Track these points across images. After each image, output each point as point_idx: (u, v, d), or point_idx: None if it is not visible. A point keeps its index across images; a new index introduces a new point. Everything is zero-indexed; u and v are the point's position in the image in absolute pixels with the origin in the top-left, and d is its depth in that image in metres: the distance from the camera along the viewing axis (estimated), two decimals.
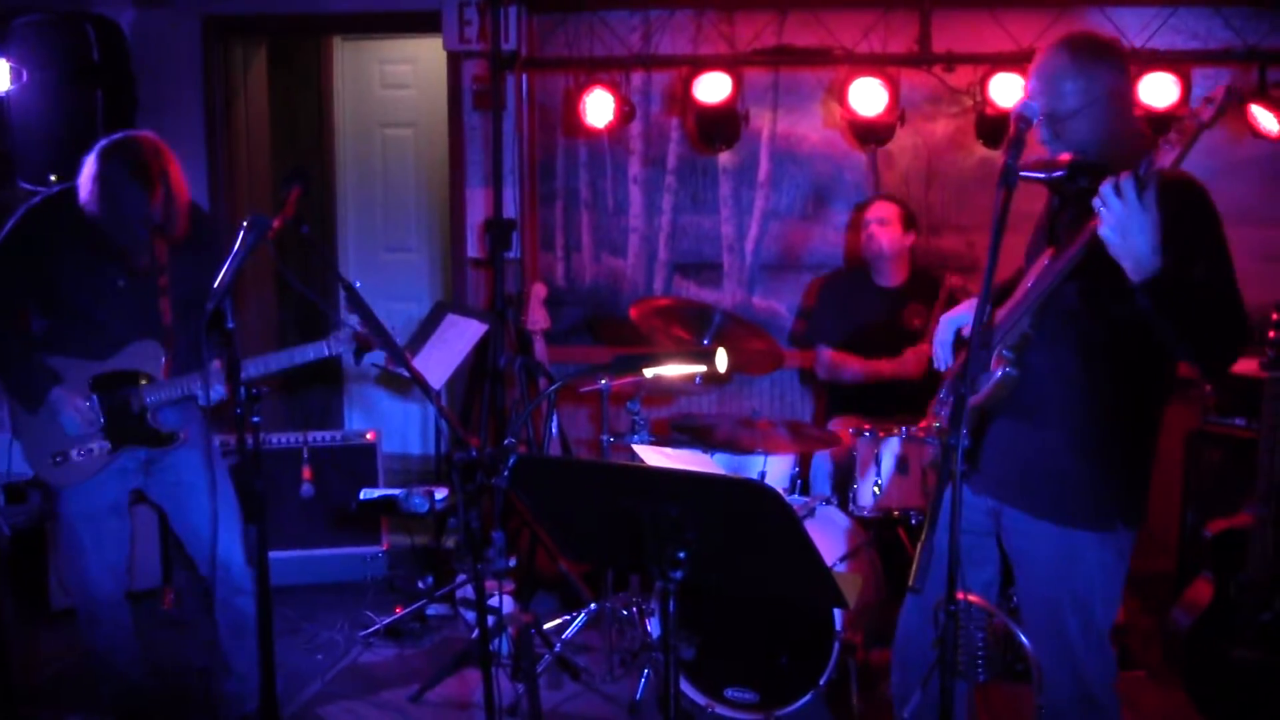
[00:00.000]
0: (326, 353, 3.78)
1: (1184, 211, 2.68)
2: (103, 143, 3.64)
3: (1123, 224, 2.49)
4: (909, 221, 5.25)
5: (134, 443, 3.80)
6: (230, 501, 3.93)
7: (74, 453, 3.73)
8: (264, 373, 3.75)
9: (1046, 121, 2.91)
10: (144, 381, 3.77)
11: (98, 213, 3.58)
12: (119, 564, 3.93)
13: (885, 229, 5.20)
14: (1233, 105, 2.42)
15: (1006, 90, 5.15)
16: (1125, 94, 2.91)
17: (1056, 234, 2.97)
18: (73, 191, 3.65)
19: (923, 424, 4.46)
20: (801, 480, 4.88)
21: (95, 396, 3.74)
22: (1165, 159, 2.45)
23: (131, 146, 3.62)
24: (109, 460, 3.78)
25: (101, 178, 3.57)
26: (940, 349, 3.32)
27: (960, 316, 3.28)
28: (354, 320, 3.66)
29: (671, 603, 2.41)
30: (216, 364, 3.71)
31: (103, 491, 3.82)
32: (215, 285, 3.08)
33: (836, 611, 3.92)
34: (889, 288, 5.29)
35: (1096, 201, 2.53)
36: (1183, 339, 2.64)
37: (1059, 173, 2.89)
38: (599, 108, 5.61)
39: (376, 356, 4.19)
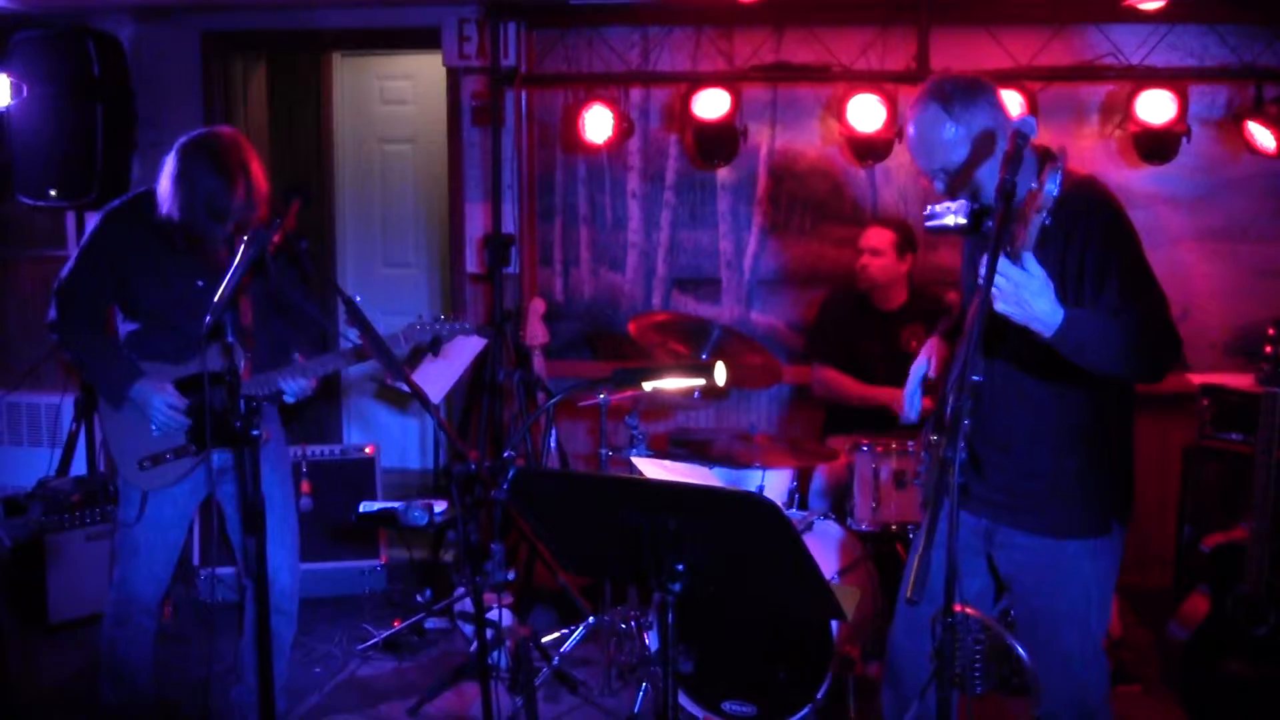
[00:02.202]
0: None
1: (1086, 236, 2.69)
2: (182, 140, 3.63)
3: (1015, 298, 2.48)
4: (904, 246, 5.18)
5: (218, 444, 3.78)
6: (291, 522, 3.93)
7: (162, 456, 3.72)
8: (307, 381, 3.77)
9: (938, 175, 2.93)
10: (227, 382, 3.77)
11: (178, 211, 3.56)
12: (166, 573, 3.93)
13: (877, 259, 5.15)
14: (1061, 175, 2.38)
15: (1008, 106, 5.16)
16: (1005, 125, 2.89)
17: (979, 271, 2.97)
18: (152, 195, 3.65)
19: (918, 449, 4.48)
20: (799, 495, 4.88)
21: (175, 393, 3.73)
22: (1020, 238, 2.41)
23: (210, 141, 3.61)
24: (193, 466, 3.77)
25: (182, 173, 3.55)
26: (907, 400, 3.31)
27: (924, 365, 3.28)
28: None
29: (670, 615, 2.42)
30: (298, 357, 3.74)
31: (176, 502, 3.82)
32: (215, 299, 3.10)
33: (834, 625, 3.93)
34: (887, 311, 5.27)
35: (982, 283, 2.52)
36: (1111, 367, 2.65)
37: (963, 220, 2.91)
38: (598, 124, 5.63)
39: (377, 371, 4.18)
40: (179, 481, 3.78)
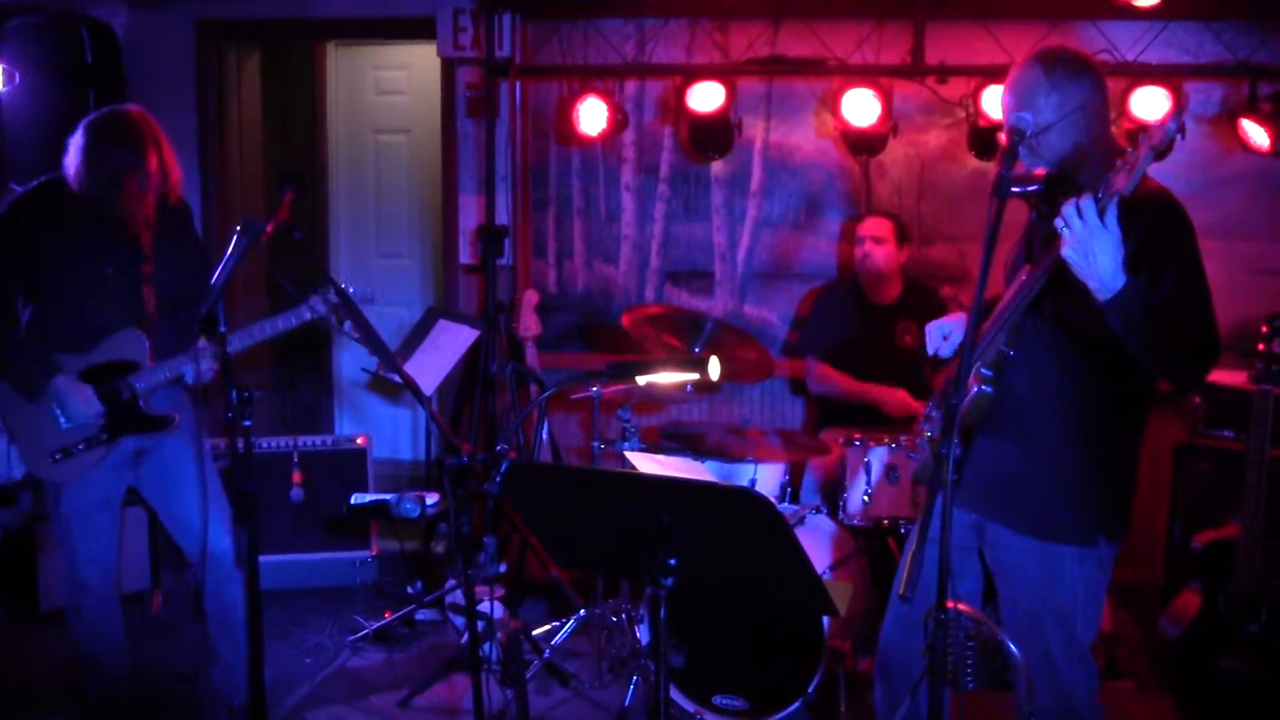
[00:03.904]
0: (309, 316, 3.80)
1: (1155, 227, 2.69)
2: (89, 116, 3.68)
3: (1084, 245, 2.50)
4: (902, 237, 5.26)
5: (129, 431, 3.79)
6: (218, 491, 3.93)
7: (73, 448, 3.72)
8: (250, 344, 3.78)
9: (1012, 131, 2.91)
10: (133, 368, 3.77)
11: (86, 187, 3.60)
12: (109, 559, 3.93)
13: (881, 247, 5.20)
14: (1181, 128, 2.38)
15: (999, 102, 5.14)
16: (1101, 108, 2.88)
17: (1033, 249, 2.98)
18: (61, 179, 3.66)
19: (911, 440, 4.48)
20: (791, 489, 4.88)
21: (90, 388, 3.73)
22: (1119, 181, 2.44)
23: (117, 115, 3.67)
24: (105, 453, 3.78)
25: (88, 147, 3.61)
26: (929, 340, 3.27)
27: (946, 325, 3.25)
28: (331, 293, 3.67)
29: (662, 609, 2.41)
30: (203, 342, 3.74)
31: (95, 488, 3.82)
32: (210, 288, 3.09)
33: (825, 619, 3.93)
34: (881, 304, 5.29)
35: (1059, 222, 2.53)
36: (1149, 355, 2.64)
37: (1034, 187, 2.90)
38: (592, 115, 5.62)
39: (369, 362, 4.17)
40: (93, 469, 3.78)
